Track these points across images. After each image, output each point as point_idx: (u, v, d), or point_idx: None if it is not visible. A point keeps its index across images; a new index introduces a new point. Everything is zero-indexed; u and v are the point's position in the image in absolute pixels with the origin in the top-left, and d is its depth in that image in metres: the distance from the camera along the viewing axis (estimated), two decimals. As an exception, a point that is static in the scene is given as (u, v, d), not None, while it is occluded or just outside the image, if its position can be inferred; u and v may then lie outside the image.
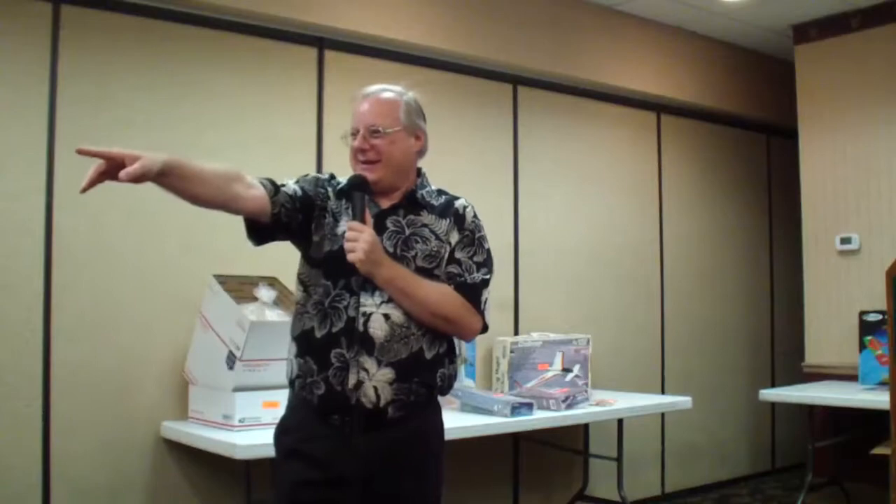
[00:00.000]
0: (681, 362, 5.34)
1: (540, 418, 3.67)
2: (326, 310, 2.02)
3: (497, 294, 4.45)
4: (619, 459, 4.11)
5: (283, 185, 2.06)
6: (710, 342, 5.53)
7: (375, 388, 1.98)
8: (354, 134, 2.10)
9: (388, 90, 2.15)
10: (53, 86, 3.20)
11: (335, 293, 2.02)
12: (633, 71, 5.04)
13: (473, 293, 2.08)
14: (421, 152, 2.19)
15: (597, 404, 3.96)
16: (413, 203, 2.13)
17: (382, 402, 1.99)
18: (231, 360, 3.10)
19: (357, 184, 2.06)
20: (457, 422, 3.45)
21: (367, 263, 1.96)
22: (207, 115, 3.56)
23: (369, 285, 2.00)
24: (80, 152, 1.73)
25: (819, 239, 5.04)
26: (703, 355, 5.48)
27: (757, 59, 5.73)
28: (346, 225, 2.03)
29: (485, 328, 2.14)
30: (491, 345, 4.25)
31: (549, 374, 4.20)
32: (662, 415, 5.05)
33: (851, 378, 4.58)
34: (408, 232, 2.08)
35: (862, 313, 4.57)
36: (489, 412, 3.61)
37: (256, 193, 1.98)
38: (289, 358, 2.11)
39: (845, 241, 4.91)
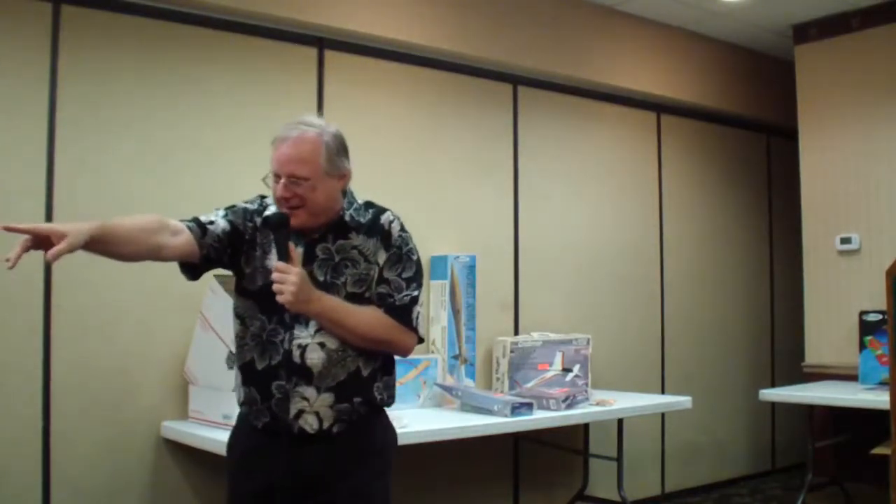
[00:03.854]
0: (681, 362, 5.34)
1: (540, 418, 3.66)
2: (265, 343, 2.09)
3: (497, 294, 4.47)
4: (619, 459, 4.11)
5: (212, 223, 2.10)
6: (710, 342, 5.53)
7: (317, 414, 2.07)
8: (277, 177, 2.11)
9: (309, 128, 2.12)
10: (53, 85, 3.20)
11: (270, 328, 2.09)
12: (633, 71, 5.04)
13: (404, 314, 2.14)
14: (344, 187, 2.19)
15: (597, 404, 3.96)
16: (341, 227, 2.16)
17: (325, 425, 2.07)
18: (231, 360, 3.09)
19: (275, 223, 2.07)
20: (457, 422, 3.45)
21: (297, 304, 2.01)
22: (207, 115, 3.56)
23: (302, 318, 2.07)
24: (6, 229, 1.75)
25: (819, 239, 5.04)
26: (703, 355, 5.48)
27: (757, 59, 5.73)
28: (275, 258, 2.07)
29: (420, 341, 2.21)
30: (491, 345, 4.25)
31: (549, 374, 4.20)
32: (662, 415, 5.05)
33: (851, 378, 4.59)
34: (337, 258, 2.13)
35: (862, 313, 4.57)
36: (489, 412, 3.60)
37: (182, 240, 2.03)
38: (237, 383, 2.19)
39: (845, 241, 4.91)
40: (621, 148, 5.13)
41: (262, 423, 2.10)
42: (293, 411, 2.05)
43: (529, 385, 4.11)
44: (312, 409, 2.06)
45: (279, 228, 2.06)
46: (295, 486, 2.07)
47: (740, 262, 5.78)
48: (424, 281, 4.12)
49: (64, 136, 3.21)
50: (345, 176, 2.17)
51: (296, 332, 2.07)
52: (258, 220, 2.15)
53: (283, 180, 2.08)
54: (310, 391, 2.05)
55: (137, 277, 3.35)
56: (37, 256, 3.10)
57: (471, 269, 4.16)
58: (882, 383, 4.21)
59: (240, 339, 2.15)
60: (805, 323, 5.10)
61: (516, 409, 3.59)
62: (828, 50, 5.06)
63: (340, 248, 2.14)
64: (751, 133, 5.90)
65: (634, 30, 5.03)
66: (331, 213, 2.15)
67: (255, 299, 2.12)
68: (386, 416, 2.24)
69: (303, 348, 2.06)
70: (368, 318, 2.10)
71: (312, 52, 3.89)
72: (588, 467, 4.62)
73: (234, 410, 3.04)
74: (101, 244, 1.86)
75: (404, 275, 2.16)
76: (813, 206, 5.09)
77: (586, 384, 4.29)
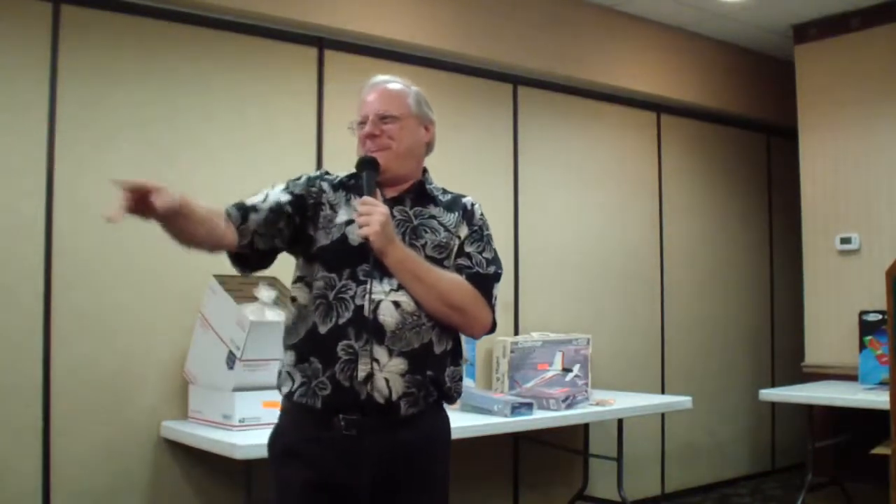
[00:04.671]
0: (681, 362, 5.34)
1: (540, 418, 3.66)
2: (331, 302, 1.92)
3: (497, 294, 4.46)
4: (619, 459, 4.11)
5: (255, 209, 1.93)
6: (710, 342, 5.53)
7: (387, 380, 1.88)
8: (363, 123, 2.04)
9: (396, 82, 2.11)
10: (53, 85, 3.20)
11: (340, 284, 1.92)
12: (633, 71, 5.04)
13: (486, 284, 2.01)
14: (429, 146, 2.14)
15: (597, 404, 3.96)
16: (421, 195, 2.06)
17: (394, 396, 1.88)
18: (231, 360, 3.10)
19: (365, 162, 1.98)
20: (457, 422, 3.42)
21: (382, 238, 1.86)
22: (207, 115, 3.56)
23: (377, 272, 1.90)
24: (119, 184, 1.64)
25: (819, 239, 5.04)
26: (703, 355, 5.48)
27: (757, 59, 5.73)
28: (345, 215, 1.97)
29: (494, 326, 2.06)
30: (491, 345, 4.25)
31: (549, 374, 4.20)
32: (662, 415, 5.05)
33: (851, 378, 4.59)
34: (416, 222, 2.01)
35: (862, 313, 4.57)
36: (489, 412, 3.61)
37: (231, 229, 1.91)
38: (283, 370, 1.99)
39: (845, 241, 4.91)
40: (621, 148, 5.13)
41: (322, 399, 1.89)
42: (362, 373, 1.86)
43: (529, 385, 4.11)
44: (383, 372, 1.87)
45: (367, 168, 1.97)
46: (359, 487, 1.89)
47: (740, 261, 5.78)
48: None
49: (64, 136, 3.21)
50: (429, 129, 2.11)
51: (370, 286, 1.90)
52: (323, 185, 2.04)
53: (371, 118, 2.02)
54: (381, 352, 1.87)
55: (137, 277, 3.35)
56: (36, 255, 3.13)
57: (471, 269, 4.15)
58: (882, 383, 4.21)
59: (303, 309, 1.96)
60: (805, 323, 5.10)
61: (516, 409, 3.59)
62: (828, 50, 5.06)
63: (418, 214, 2.03)
64: (751, 133, 5.90)
65: (634, 30, 5.03)
66: (413, 171, 2.07)
67: (323, 259, 1.96)
68: (449, 426, 2.08)
69: (376, 304, 1.89)
70: (449, 279, 1.96)
71: (312, 52, 3.89)
72: (588, 467, 4.62)
73: (234, 411, 3.07)
74: (181, 217, 1.74)
75: (485, 254, 2.04)
76: (813, 206, 5.09)
77: (586, 384, 4.29)
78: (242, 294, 3.22)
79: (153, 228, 3.54)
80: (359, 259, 1.91)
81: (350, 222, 1.95)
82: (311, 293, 1.95)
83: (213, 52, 3.59)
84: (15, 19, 3.15)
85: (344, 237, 1.95)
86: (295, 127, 3.82)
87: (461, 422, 3.45)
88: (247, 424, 3.07)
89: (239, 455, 2.86)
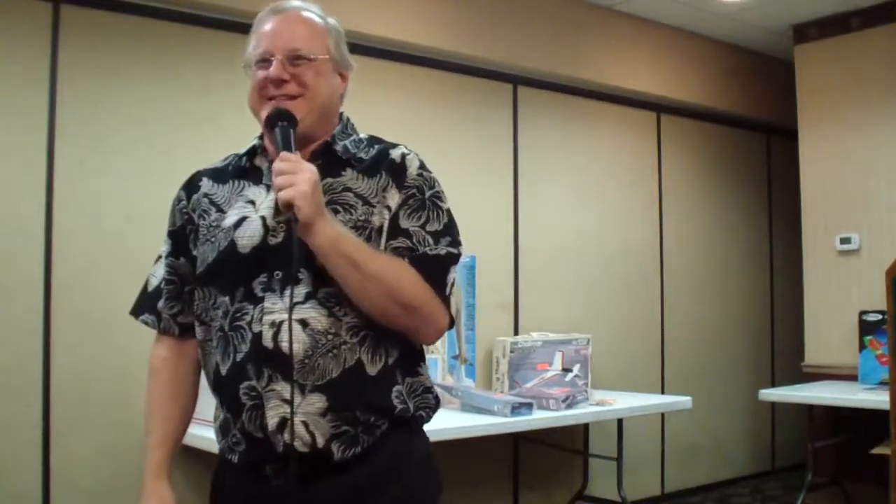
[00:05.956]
0: (681, 362, 5.34)
1: (540, 418, 3.66)
2: (228, 334, 1.49)
3: (497, 294, 4.46)
4: (619, 459, 4.11)
5: (158, 297, 1.71)
6: (710, 342, 5.53)
7: (305, 424, 1.43)
8: (265, 61, 1.55)
9: (309, 10, 1.63)
10: (53, 85, 3.20)
11: (234, 308, 1.48)
12: (633, 71, 5.04)
13: (437, 269, 1.49)
14: (342, 98, 1.65)
15: (597, 404, 3.96)
16: (331, 159, 1.55)
17: (320, 442, 1.44)
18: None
19: (276, 115, 1.52)
20: (457, 422, 3.45)
21: (310, 205, 1.37)
22: (207, 115, 3.56)
23: (277, 284, 1.45)
24: None
25: (819, 239, 5.04)
26: (703, 355, 5.48)
27: (757, 59, 5.73)
28: (235, 214, 1.54)
29: (451, 324, 1.55)
30: (491, 345, 4.25)
31: (549, 374, 4.20)
32: (662, 415, 5.05)
33: (851, 378, 4.59)
34: (325, 199, 1.48)
35: (862, 313, 4.57)
36: (489, 412, 3.60)
37: (191, 347, 1.66)
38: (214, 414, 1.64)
39: (845, 241, 4.91)
40: (621, 148, 5.13)
41: (239, 455, 1.50)
42: (273, 421, 1.43)
43: (529, 385, 4.11)
44: (298, 415, 1.42)
45: (280, 122, 1.51)
46: None
47: (740, 261, 5.78)
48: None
49: (64, 136, 3.21)
50: (345, 76, 1.63)
51: (266, 303, 1.44)
52: (200, 184, 1.66)
53: (277, 59, 1.53)
54: (289, 389, 1.42)
55: (137, 277, 3.34)
56: (36, 255, 3.13)
57: (471, 269, 4.16)
58: (882, 383, 4.21)
59: (204, 346, 1.59)
60: (805, 323, 5.09)
61: (516, 409, 3.59)
62: (828, 50, 5.05)
63: (330, 188, 1.51)
64: (751, 133, 5.90)
65: (634, 30, 5.02)
66: (324, 129, 1.58)
67: (213, 278, 1.53)
68: (424, 444, 1.58)
69: (276, 326, 1.43)
70: (396, 267, 1.46)
71: (312, 52, 3.89)
72: (588, 467, 4.62)
73: (234, 410, 3.07)
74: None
75: (430, 227, 1.51)
76: (813, 206, 5.09)
77: (586, 384, 4.29)
78: (242, 294, 3.22)
79: (153, 229, 3.54)
80: (254, 269, 1.47)
81: (240, 223, 1.52)
82: (209, 327, 1.55)
83: (213, 51, 3.59)
84: (15, 19, 3.15)
85: (233, 244, 1.50)
86: (295, 127, 3.81)
87: (461, 422, 3.45)
88: (247, 424, 3.06)
89: (239, 455, 2.85)
